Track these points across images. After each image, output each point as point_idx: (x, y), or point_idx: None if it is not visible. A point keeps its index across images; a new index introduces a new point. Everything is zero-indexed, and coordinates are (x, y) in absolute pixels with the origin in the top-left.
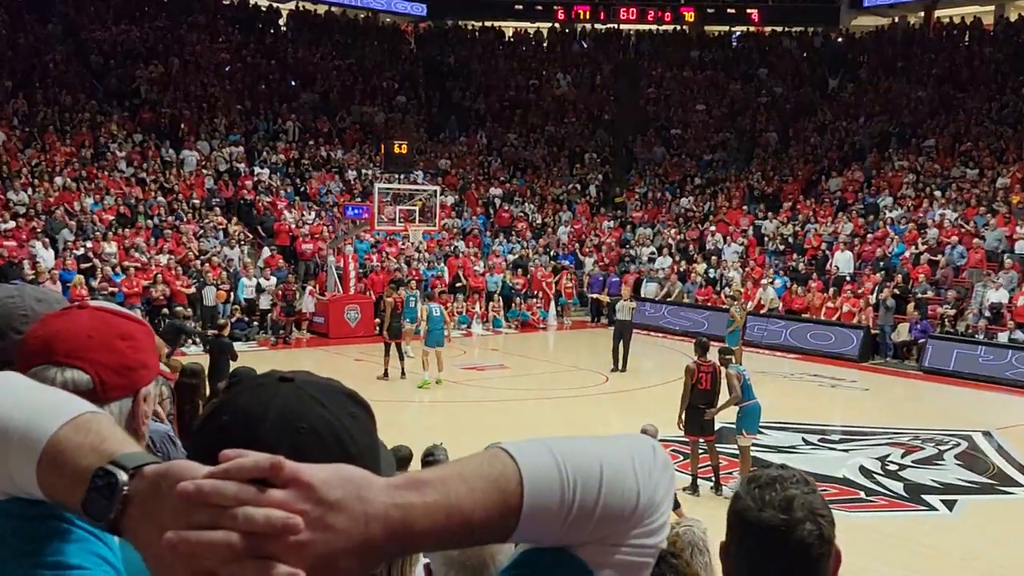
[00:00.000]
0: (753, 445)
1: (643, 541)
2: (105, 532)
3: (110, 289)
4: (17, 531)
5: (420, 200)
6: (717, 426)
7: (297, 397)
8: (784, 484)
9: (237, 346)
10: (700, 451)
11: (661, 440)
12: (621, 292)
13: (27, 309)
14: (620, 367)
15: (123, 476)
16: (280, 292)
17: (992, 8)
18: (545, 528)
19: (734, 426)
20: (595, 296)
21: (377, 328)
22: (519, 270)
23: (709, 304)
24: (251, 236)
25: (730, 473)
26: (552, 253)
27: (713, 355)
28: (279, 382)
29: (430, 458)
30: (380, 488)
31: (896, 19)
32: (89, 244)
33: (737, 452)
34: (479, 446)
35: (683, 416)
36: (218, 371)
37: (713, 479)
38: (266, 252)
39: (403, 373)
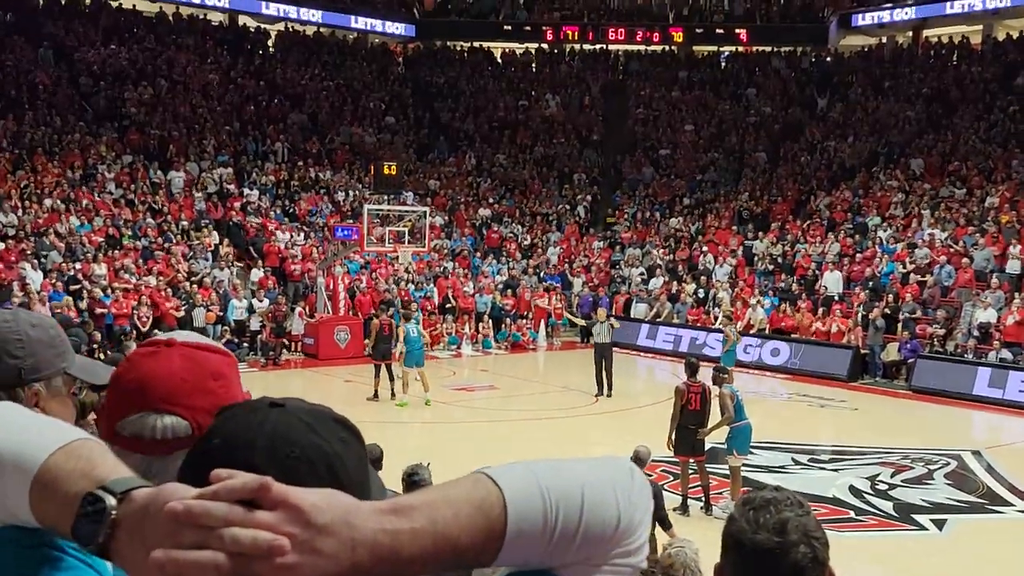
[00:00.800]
0: (743, 465)
1: (624, 561)
2: (96, 557)
3: (99, 310)
4: (11, 558)
5: (409, 221)
6: (707, 446)
7: (288, 423)
8: (779, 506)
9: None
10: (690, 471)
11: (652, 461)
12: (597, 314)
13: (22, 334)
14: (606, 392)
15: (111, 500)
16: (270, 313)
17: (980, 28)
18: (529, 551)
19: (724, 446)
20: (571, 318)
21: (367, 349)
22: (508, 291)
23: (699, 324)
24: (241, 257)
25: (720, 493)
26: (541, 274)
27: (703, 375)
28: (270, 408)
29: (414, 477)
30: (368, 513)
31: (884, 39)
32: (78, 266)
33: (727, 472)
34: (468, 467)
35: (673, 436)
36: None
37: (703, 499)
38: (259, 273)
39: (393, 394)
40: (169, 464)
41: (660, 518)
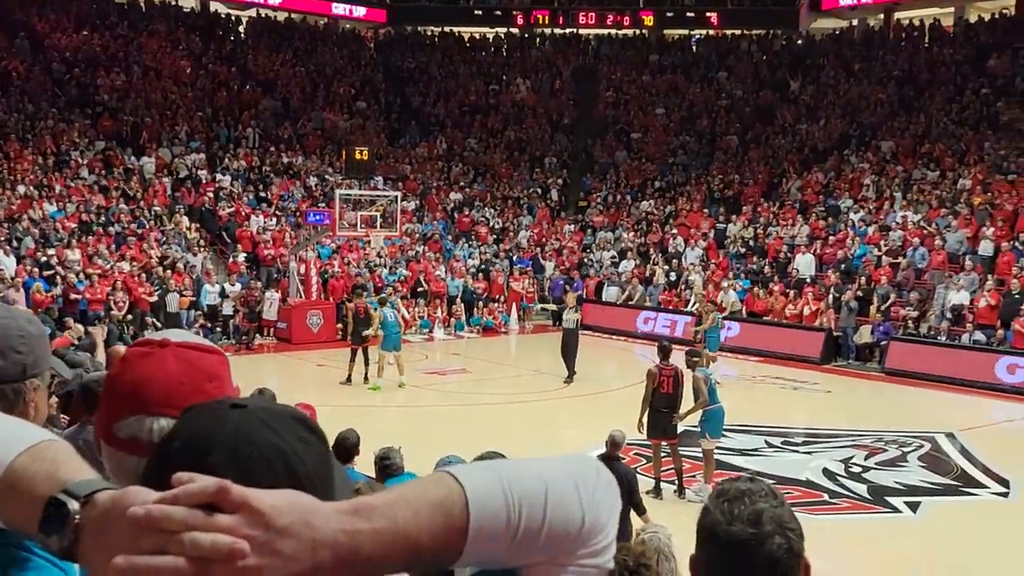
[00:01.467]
0: (716, 448)
1: (590, 561)
2: (61, 560)
3: (73, 296)
4: None
5: (381, 206)
6: (680, 429)
7: (247, 423)
8: (753, 497)
9: None
10: (663, 455)
11: (625, 444)
12: (566, 300)
13: (23, 330)
14: (568, 377)
15: (74, 504)
16: (242, 298)
17: (952, 10)
18: (492, 550)
19: (698, 429)
20: (543, 306)
21: (339, 334)
22: (480, 275)
23: (671, 308)
24: (214, 243)
25: (693, 476)
26: (513, 258)
27: (676, 359)
28: (231, 409)
29: (386, 461)
30: (328, 514)
31: (856, 21)
32: (52, 252)
33: (700, 455)
34: (441, 451)
35: (643, 420)
36: None
37: (676, 482)
38: (238, 257)
39: (366, 378)
40: None
41: (634, 503)
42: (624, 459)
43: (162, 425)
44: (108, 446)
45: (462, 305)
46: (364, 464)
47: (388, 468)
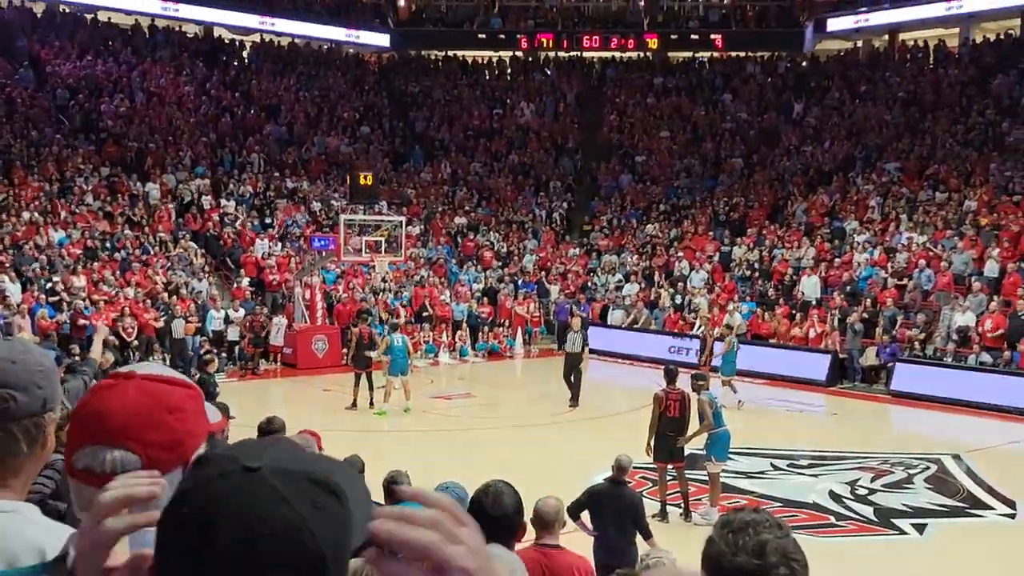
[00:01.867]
0: (722, 472)
1: None
2: None
3: (81, 322)
4: None
5: (386, 230)
6: (686, 452)
7: (259, 494)
8: (757, 528)
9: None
10: (669, 478)
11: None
12: (572, 323)
13: (41, 364)
14: (571, 402)
15: None
16: (247, 323)
17: (956, 31)
18: None
19: (703, 452)
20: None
21: (344, 359)
22: (485, 299)
23: (677, 331)
24: (218, 268)
25: (699, 500)
26: (518, 282)
27: (682, 383)
28: (243, 472)
29: (393, 484)
30: None
31: (860, 43)
32: (57, 278)
33: (707, 478)
34: (445, 475)
35: (651, 443)
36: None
37: (683, 505)
38: (243, 283)
39: (371, 403)
40: None
41: (641, 528)
42: (630, 483)
43: (115, 456)
44: (71, 477)
45: (467, 329)
46: (370, 488)
47: (395, 493)
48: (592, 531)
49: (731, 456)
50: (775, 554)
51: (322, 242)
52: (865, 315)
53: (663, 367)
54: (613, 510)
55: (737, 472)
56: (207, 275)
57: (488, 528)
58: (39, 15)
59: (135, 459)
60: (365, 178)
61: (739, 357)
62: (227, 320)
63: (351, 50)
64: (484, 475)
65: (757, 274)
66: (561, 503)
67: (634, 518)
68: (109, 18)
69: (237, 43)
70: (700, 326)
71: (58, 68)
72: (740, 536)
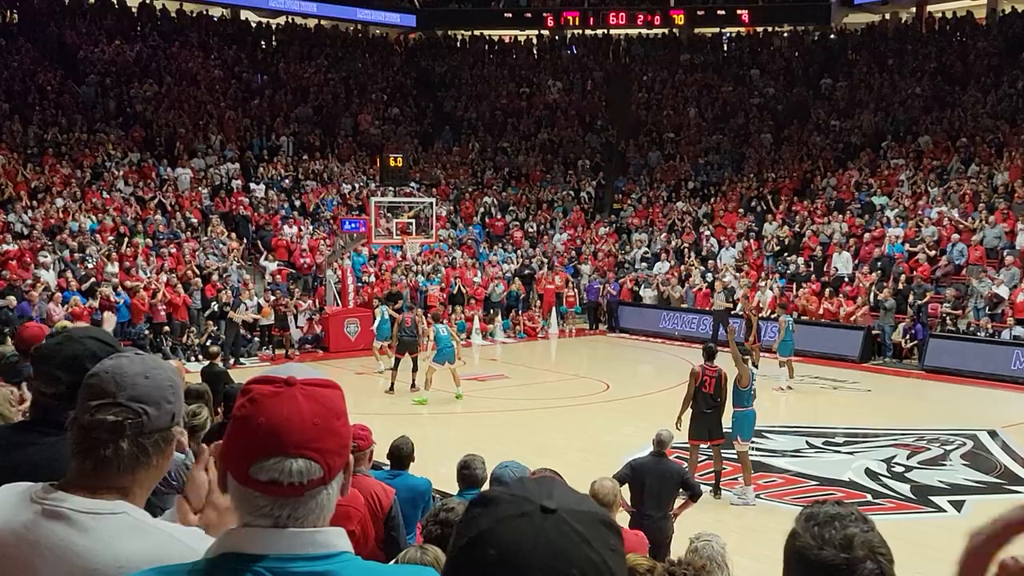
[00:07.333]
0: (758, 449)
1: None
2: None
3: (115, 300)
4: None
5: (415, 211)
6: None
7: (563, 534)
8: (843, 522)
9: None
10: (702, 458)
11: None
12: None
13: (171, 380)
14: None
15: None
16: (270, 306)
17: (984, 2)
18: None
19: (730, 431)
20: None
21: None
22: (516, 278)
23: (707, 308)
24: (249, 252)
25: (736, 479)
26: (552, 261)
27: (720, 361)
28: (542, 514)
29: (465, 471)
30: None
31: (888, 15)
32: (91, 264)
33: (735, 457)
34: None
35: (681, 417)
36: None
37: (713, 483)
38: (272, 266)
39: (413, 384)
40: (300, 505)
41: (690, 485)
42: (670, 458)
43: (300, 467)
44: (243, 487)
45: (499, 309)
46: (418, 470)
47: (468, 478)
48: (630, 507)
49: (766, 435)
50: (862, 548)
51: (352, 224)
52: (898, 288)
53: (702, 346)
54: (656, 480)
55: (772, 451)
56: (238, 259)
57: None
58: (67, 2)
59: (318, 467)
60: (395, 160)
61: (766, 335)
62: (259, 304)
63: (377, 31)
64: (520, 457)
65: (787, 250)
66: (616, 484)
67: (680, 482)
68: (138, 2)
69: (264, 26)
70: (739, 307)
71: (87, 54)
72: (826, 530)
